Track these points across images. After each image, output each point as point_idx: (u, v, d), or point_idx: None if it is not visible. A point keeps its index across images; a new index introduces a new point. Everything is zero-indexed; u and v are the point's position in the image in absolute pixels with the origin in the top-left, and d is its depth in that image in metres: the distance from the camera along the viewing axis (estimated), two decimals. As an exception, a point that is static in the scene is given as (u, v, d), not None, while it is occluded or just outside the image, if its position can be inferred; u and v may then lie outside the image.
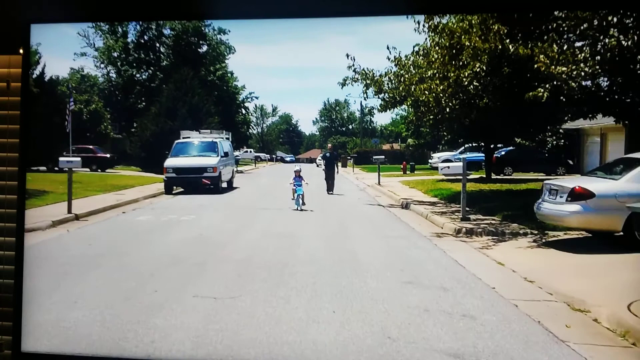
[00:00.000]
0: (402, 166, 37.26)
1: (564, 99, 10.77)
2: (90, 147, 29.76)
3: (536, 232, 9.93)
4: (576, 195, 8.18)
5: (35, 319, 4.95)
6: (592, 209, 8.00)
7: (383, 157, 27.62)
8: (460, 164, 12.58)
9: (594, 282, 6.60)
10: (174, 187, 19.61)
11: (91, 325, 4.83)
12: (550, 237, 9.59)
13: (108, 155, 31.10)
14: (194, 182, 19.36)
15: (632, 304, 5.29)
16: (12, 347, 2.53)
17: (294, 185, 14.04)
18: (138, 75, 33.82)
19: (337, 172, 19.12)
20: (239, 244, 9.25)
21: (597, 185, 8.31)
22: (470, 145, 29.05)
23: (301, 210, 13.05)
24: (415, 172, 35.21)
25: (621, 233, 8.11)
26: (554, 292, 6.17)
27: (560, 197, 8.49)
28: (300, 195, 13.54)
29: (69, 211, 12.23)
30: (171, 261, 7.65)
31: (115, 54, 33.61)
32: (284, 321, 5.07)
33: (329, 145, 20.58)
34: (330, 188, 18.51)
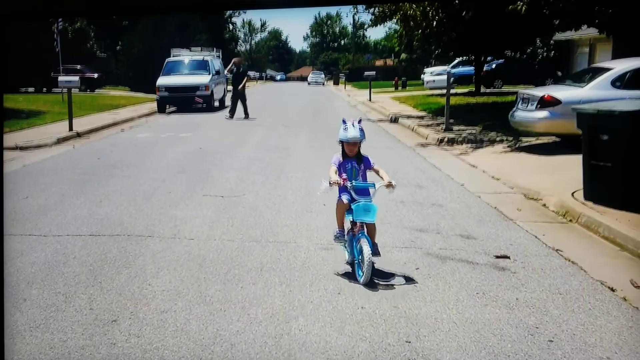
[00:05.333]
0: (393, 82, 37.27)
1: (546, 11, 11.13)
2: (78, 67, 29.09)
3: (511, 138, 10.82)
4: (545, 102, 8.92)
5: (72, 213, 5.85)
6: (558, 114, 8.76)
7: (374, 72, 27.74)
8: (445, 77, 13.17)
9: (552, 178, 7.53)
10: (167, 106, 19.96)
11: (121, 216, 5.73)
12: (523, 142, 10.48)
13: (96, 75, 30.51)
14: (186, 101, 19.69)
15: (576, 192, 6.24)
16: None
17: (341, 194, 4.46)
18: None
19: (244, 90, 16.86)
20: (237, 155, 10.06)
21: (564, 92, 9.02)
22: (462, 59, 29.08)
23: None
24: (407, 87, 35.37)
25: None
26: (514, 186, 7.13)
27: (532, 104, 9.24)
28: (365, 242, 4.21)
29: (71, 129, 12.88)
30: (178, 170, 8.49)
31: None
32: (282, 212, 6.00)
33: (236, 59, 18.10)
34: (232, 111, 16.50)
